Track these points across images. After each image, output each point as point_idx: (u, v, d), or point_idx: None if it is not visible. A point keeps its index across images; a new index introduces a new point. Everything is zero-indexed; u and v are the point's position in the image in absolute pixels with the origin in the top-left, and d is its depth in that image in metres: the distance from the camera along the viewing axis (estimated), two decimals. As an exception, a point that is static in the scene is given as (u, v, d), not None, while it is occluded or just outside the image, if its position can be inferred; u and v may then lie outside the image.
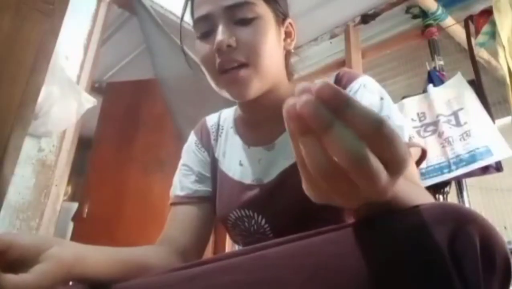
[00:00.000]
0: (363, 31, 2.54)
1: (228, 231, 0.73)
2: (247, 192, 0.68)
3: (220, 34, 0.60)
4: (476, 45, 1.99)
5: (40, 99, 1.28)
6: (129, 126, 2.57)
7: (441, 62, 2.19)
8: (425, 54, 2.29)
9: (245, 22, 0.61)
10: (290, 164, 0.64)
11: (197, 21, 0.65)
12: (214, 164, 0.76)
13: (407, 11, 2.38)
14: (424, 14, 2.31)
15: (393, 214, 0.39)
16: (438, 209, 0.37)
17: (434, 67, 2.16)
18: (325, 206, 0.47)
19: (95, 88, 2.92)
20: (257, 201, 0.66)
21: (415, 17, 2.39)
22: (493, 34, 1.88)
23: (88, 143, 2.64)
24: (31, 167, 1.57)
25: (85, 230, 2.31)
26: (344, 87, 0.64)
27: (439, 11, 2.25)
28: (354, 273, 0.36)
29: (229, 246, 2.23)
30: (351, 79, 0.65)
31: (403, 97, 2.13)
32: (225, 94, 0.64)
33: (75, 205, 2.62)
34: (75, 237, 2.43)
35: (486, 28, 1.92)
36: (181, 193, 0.74)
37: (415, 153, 0.61)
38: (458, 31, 2.31)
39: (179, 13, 2.45)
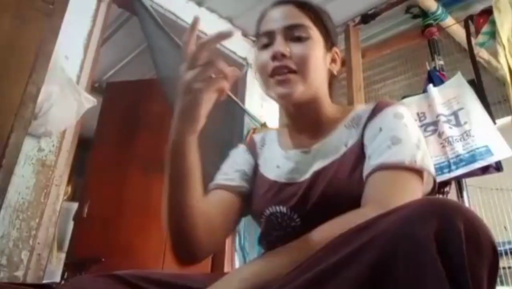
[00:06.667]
0: (363, 31, 2.54)
1: (260, 225, 0.80)
2: (283, 190, 0.76)
3: (277, 45, 0.73)
4: (476, 45, 1.99)
5: (40, 99, 1.28)
6: (129, 126, 2.57)
7: (441, 62, 2.19)
8: (425, 54, 2.29)
9: (299, 40, 0.74)
10: (323, 166, 0.73)
11: (260, 35, 0.78)
12: (255, 168, 0.86)
13: (407, 11, 2.38)
14: (424, 14, 2.31)
15: (384, 213, 0.44)
16: (426, 204, 0.42)
17: (434, 67, 2.16)
18: (348, 200, 0.63)
19: (95, 88, 2.92)
20: (291, 197, 0.73)
21: (415, 17, 2.39)
22: (493, 34, 1.88)
23: (88, 143, 2.64)
24: (31, 167, 1.57)
25: (85, 230, 2.32)
26: (379, 111, 0.72)
27: (439, 11, 2.25)
28: (348, 269, 0.39)
29: (229, 247, 2.23)
30: (387, 106, 0.73)
31: (403, 97, 2.13)
32: (273, 95, 0.74)
33: (75, 205, 2.62)
34: (75, 237, 2.43)
35: (486, 28, 1.92)
36: (228, 183, 0.81)
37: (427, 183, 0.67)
38: (458, 31, 2.31)
39: (179, 13, 2.45)
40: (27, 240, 1.50)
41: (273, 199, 0.76)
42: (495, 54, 1.99)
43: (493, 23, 1.87)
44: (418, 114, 2.04)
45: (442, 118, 1.92)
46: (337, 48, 0.83)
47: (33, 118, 1.42)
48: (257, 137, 0.93)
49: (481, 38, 1.94)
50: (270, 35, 0.76)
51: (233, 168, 0.85)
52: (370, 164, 0.66)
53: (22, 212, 1.50)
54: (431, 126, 1.97)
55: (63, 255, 2.89)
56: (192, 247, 0.68)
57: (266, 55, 0.75)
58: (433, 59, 2.20)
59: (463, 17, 2.15)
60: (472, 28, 2.04)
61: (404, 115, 0.71)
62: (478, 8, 2.10)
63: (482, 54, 2.17)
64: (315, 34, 0.76)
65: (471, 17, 2.06)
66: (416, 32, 2.37)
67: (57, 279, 2.51)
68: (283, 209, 0.74)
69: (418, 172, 0.63)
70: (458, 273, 0.38)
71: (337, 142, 0.75)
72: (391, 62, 2.68)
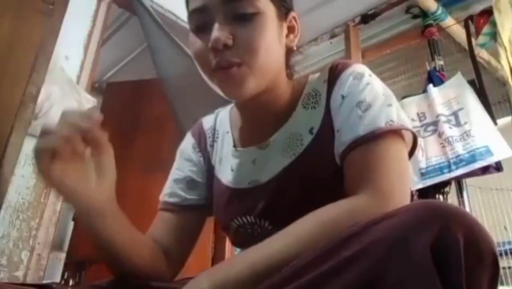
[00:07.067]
0: (363, 31, 2.54)
1: (229, 237, 0.71)
2: (245, 197, 0.65)
3: (217, 31, 0.55)
4: (476, 46, 1.99)
5: (40, 99, 1.28)
6: (129, 126, 2.57)
7: (441, 62, 2.18)
8: (425, 54, 2.28)
9: (244, 18, 0.57)
10: (292, 161, 0.62)
11: (192, 13, 0.60)
12: (210, 171, 0.73)
13: (407, 11, 2.38)
14: (424, 14, 2.31)
15: (378, 217, 0.40)
16: (423, 209, 0.38)
17: (434, 67, 2.16)
18: (334, 197, 0.51)
19: (95, 88, 2.92)
20: (256, 204, 0.63)
21: (415, 17, 2.39)
22: (494, 35, 1.88)
23: (88, 143, 2.64)
24: (31, 167, 1.57)
25: (85, 230, 2.31)
26: (336, 78, 0.63)
27: (439, 11, 2.25)
28: (343, 275, 0.37)
29: (229, 248, 2.23)
30: (342, 69, 0.63)
31: (403, 97, 2.13)
32: (219, 91, 0.60)
33: (75, 205, 2.61)
34: (75, 237, 2.43)
35: (486, 29, 1.92)
36: (170, 200, 0.72)
37: (408, 140, 0.59)
38: (458, 31, 2.31)
39: (179, 13, 2.44)
40: (27, 240, 1.50)
41: (237, 210, 0.65)
42: (495, 54, 1.99)
43: (494, 24, 1.87)
44: (418, 114, 2.04)
45: (442, 118, 1.92)
46: (294, 12, 0.65)
47: (33, 118, 1.41)
48: (207, 125, 0.77)
49: (481, 39, 1.94)
50: (206, 12, 0.57)
51: (178, 179, 0.73)
52: (342, 140, 0.56)
53: (22, 212, 1.50)
54: (431, 126, 1.97)
55: (63, 255, 2.89)
56: (152, 276, 0.62)
57: (202, 41, 0.58)
58: (433, 59, 2.20)
59: (463, 17, 2.15)
60: (472, 28, 2.04)
61: (364, 73, 0.61)
62: (478, 8, 2.10)
63: (482, 54, 2.17)
64: (264, 4, 0.58)
65: (471, 17, 2.06)
66: (416, 32, 2.36)
67: (57, 279, 2.51)
68: (251, 218, 0.64)
69: (397, 132, 0.56)
70: (455, 284, 0.35)
71: (299, 129, 0.63)
72: (391, 62, 2.68)
